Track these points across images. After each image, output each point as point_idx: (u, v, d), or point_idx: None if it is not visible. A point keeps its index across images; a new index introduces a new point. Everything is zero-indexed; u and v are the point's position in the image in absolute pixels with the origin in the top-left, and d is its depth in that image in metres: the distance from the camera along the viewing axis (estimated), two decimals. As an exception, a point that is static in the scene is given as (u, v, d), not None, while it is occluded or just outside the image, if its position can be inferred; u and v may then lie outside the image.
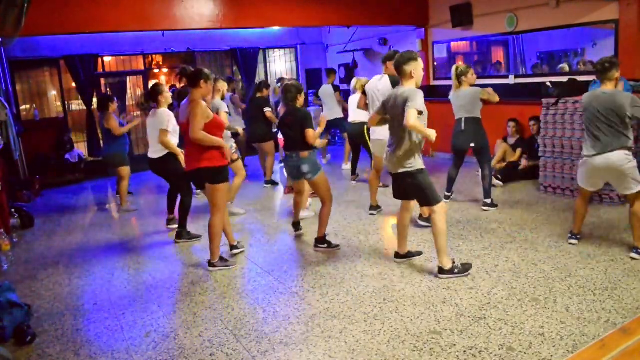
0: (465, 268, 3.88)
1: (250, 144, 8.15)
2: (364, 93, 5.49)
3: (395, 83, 4.94)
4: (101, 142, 9.63)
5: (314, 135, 4.45)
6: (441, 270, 3.85)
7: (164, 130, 5.03)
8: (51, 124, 9.38)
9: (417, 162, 3.77)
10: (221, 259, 4.35)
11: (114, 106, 6.63)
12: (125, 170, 6.61)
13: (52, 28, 6.31)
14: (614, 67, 3.91)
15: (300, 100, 4.63)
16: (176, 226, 5.38)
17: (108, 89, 9.74)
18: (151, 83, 10.62)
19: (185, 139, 4.26)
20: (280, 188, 7.46)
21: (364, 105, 5.59)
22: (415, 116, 3.52)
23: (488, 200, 5.57)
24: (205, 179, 4.21)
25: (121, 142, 6.60)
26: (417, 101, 3.58)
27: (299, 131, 4.48)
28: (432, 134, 3.61)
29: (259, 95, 7.44)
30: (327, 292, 3.74)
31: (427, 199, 3.82)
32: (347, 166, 8.34)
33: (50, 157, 9.09)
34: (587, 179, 4.13)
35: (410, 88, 3.71)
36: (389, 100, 3.88)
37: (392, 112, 3.84)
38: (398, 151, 3.77)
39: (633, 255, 3.96)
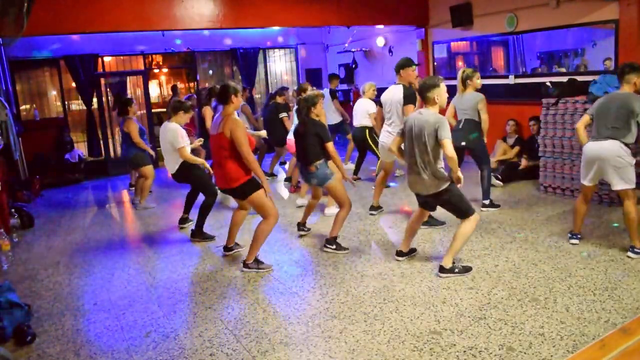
0: (466, 269, 3.89)
1: (270, 147, 8.30)
2: (380, 105, 5.47)
3: (408, 95, 4.99)
4: (101, 142, 9.67)
5: (333, 149, 4.47)
6: (442, 269, 3.87)
7: (182, 148, 5.11)
8: (51, 124, 9.37)
9: (447, 178, 3.80)
10: (256, 260, 4.28)
11: (133, 109, 6.67)
12: (149, 169, 6.63)
13: (52, 28, 6.31)
14: (633, 72, 4.04)
15: (317, 110, 4.53)
16: (187, 225, 5.57)
17: (108, 89, 9.73)
18: (151, 83, 10.65)
19: (213, 157, 4.26)
20: (280, 185, 7.46)
21: (380, 118, 5.65)
22: (452, 147, 3.66)
23: (486, 201, 5.58)
24: (239, 196, 4.28)
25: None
26: (448, 131, 3.69)
27: (310, 142, 4.47)
28: (461, 178, 3.76)
29: (273, 102, 7.51)
30: (327, 292, 3.74)
31: (463, 211, 3.84)
32: (346, 166, 8.36)
33: (50, 157, 9.09)
34: (584, 168, 4.21)
35: (436, 116, 3.76)
36: (412, 126, 3.86)
37: (416, 137, 3.81)
38: (425, 174, 3.79)
39: (630, 254, 3.98)
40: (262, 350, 3.00)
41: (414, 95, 4.95)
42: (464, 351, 2.83)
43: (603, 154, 4.00)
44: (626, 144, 3.96)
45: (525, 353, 2.77)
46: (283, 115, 7.31)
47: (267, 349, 3.01)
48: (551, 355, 2.72)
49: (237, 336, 3.19)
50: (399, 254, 4.28)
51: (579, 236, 4.35)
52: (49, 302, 3.94)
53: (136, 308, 3.72)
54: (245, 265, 4.26)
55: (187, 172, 5.24)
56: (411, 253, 4.32)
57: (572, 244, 4.32)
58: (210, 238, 5.20)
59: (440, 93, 3.81)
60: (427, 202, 4.08)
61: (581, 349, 1.89)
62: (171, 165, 5.24)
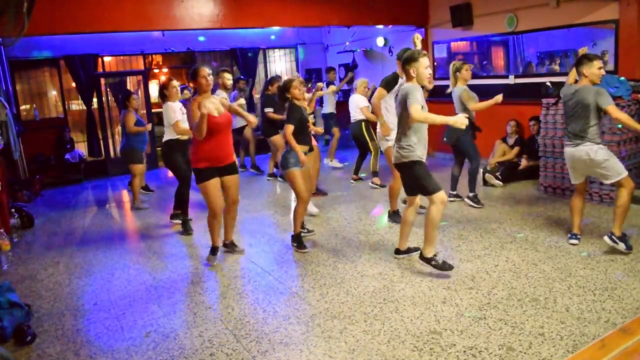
0: (444, 267, 3.87)
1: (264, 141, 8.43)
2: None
3: (383, 80, 5.10)
4: (101, 142, 9.68)
5: (289, 132, 4.53)
6: (421, 256, 3.94)
7: (175, 123, 5.34)
8: (51, 124, 9.38)
9: (414, 155, 3.81)
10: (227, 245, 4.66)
11: (134, 103, 6.65)
12: (138, 168, 6.64)
13: (52, 28, 6.31)
14: (580, 64, 4.06)
15: (294, 92, 4.60)
16: (179, 221, 5.73)
17: (108, 89, 9.73)
18: (151, 83, 10.66)
19: None
20: (280, 184, 7.47)
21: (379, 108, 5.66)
22: (419, 110, 3.64)
23: (471, 194, 5.69)
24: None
25: (137, 139, 6.63)
26: (416, 96, 3.67)
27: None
28: (457, 119, 3.59)
29: (267, 92, 7.61)
30: (327, 292, 3.74)
31: (425, 189, 3.85)
32: (331, 163, 8.57)
33: (50, 157, 9.09)
34: (570, 170, 4.29)
35: (408, 84, 3.80)
36: (396, 96, 4.01)
37: (396, 108, 4.00)
38: (399, 143, 3.88)
39: (606, 239, 4.03)
40: (262, 350, 3.00)
41: (391, 82, 5.00)
42: (464, 351, 2.83)
43: (580, 159, 4.09)
44: (596, 142, 4.01)
45: (525, 353, 2.77)
46: (268, 110, 7.44)
47: (267, 349, 3.01)
48: (551, 355, 2.72)
49: (237, 336, 3.19)
50: (397, 251, 4.30)
51: (578, 236, 4.35)
52: (49, 302, 3.94)
53: (136, 308, 3.72)
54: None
55: (164, 151, 5.52)
56: (409, 252, 4.31)
57: (572, 244, 4.32)
58: (187, 231, 5.47)
59: (417, 67, 3.76)
60: (403, 181, 4.11)
61: (581, 349, 1.89)
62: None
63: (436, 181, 3.84)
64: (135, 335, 3.31)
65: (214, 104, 4.17)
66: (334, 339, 3.07)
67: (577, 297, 3.38)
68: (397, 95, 3.96)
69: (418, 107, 3.63)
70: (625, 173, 4.00)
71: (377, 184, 6.90)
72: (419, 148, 3.83)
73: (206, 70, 4.19)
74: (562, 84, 5.95)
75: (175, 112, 5.34)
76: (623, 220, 4.01)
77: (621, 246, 3.98)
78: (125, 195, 7.73)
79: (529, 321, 3.11)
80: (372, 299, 3.56)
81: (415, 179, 3.89)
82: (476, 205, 5.63)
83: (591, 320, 3.06)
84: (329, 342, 3.03)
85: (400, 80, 5.04)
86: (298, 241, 4.66)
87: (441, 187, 3.84)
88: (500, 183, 6.57)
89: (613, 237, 4.01)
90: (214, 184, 4.27)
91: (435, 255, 3.90)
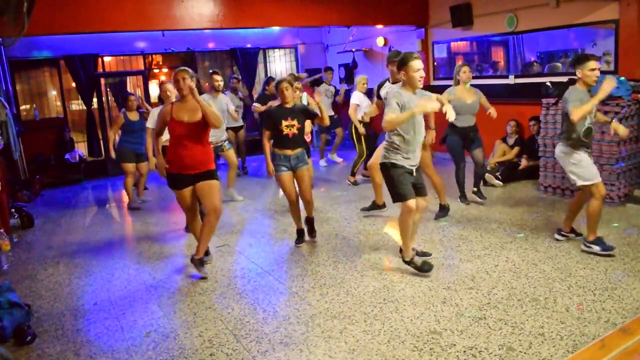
0: (423, 269, 3.89)
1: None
2: (379, 97, 5.35)
3: (377, 90, 5.17)
4: (101, 142, 9.67)
5: (264, 137, 4.57)
6: (403, 259, 4.02)
7: (148, 130, 5.39)
8: (51, 124, 9.37)
9: (393, 157, 3.77)
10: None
11: (130, 104, 6.62)
12: (128, 167, 6.63)
13: (52, 28, 6.31)
14: (574, 65, 4.04)
15: (281, 95, 4.48)
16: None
17: (108, 89, 9.73)
18: (151, 83, 10.66)
19: None
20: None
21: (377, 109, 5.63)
22: (389, 118, 3.58)
23: (459, 194, 5.83)
24: None
25: (131, 139, 6.58)
26: (391, 105, 3.64)
27: None
28: (424, 106, 3.58)
29: (265, 93, 7.74)
30: (327, 292, 3.74)
31: (394, 194, 3.84)
32: (323, 162, 8.80)
33: (50, 157, 9.09)
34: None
35: (394, 88, 3.87)
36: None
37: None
38: (384, 144, 3.90)
39: (582, 247, 4.06)
40: (262, 350, 3.00)
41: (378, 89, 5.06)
42: (464, 351, 2.83)
43: (557, 157, 4.19)
44: (568, 144, 4.03)
45: (525, 353, 2.77)
46: (254, 104, 7.60)
47: (267, 349, 3.01)
48: (551, 355, 2.73)
49: (237, 336, 3.19)
50: (400, 250, 4.28)
51: (565, 234, 4.41)
52: (49, 302, 3.94)
53: (136, 308, 3.72)
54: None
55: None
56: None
57: (557, 239, 4.41)
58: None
59: (407, 70, 3.65)
60: None
61: (581, 349, 1.89)
62: None
63: (408, 189, 3.74)
64: (135, 335, 3.31)
65: (191, 109, 4.01)
66: (334, 339, 3.07)
67: (577, 297, 3.38)
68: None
69: (390, 116, 3.58)
70: (594, 180, 3.95)
71: (350, 181, 7.11)
72: (401, 152, 3.74)
73: (181, 74, 3.90)
74: (562, 84, 5.99)
75: (150, 120, 5.35)
76: (594, 225, 4.01)
77: (596, 249, 3.99)
78: (125, 196, 7.72)
79: (529, 321, 3.11)
80: (372, 299, 3.56)
81: (387, 183, 3.87)
82: (463, 203, 5.75)
83: (591, 320, 3.07)
84: (329, 342, 3.03)
85: (387, 83, 5.13)
86: (298, 235, 4.84)
87: (411, 195, 3.74)
88: (500, 183, 6.58)
89: (586, 243, 4.03)
90: (186, 192, 4.12)
91: (412, 258, 3.94)
